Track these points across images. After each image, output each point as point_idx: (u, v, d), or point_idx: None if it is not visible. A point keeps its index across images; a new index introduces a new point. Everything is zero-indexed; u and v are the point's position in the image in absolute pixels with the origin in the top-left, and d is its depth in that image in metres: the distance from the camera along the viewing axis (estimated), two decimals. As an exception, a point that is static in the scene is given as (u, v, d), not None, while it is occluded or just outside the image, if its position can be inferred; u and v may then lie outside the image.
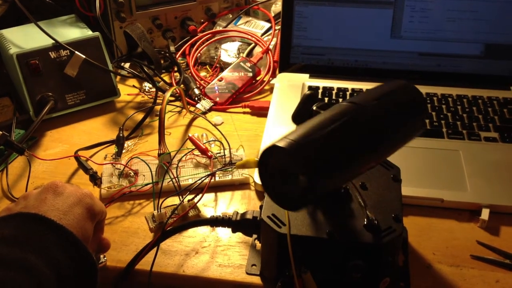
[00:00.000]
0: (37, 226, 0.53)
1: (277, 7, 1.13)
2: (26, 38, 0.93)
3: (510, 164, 0.78)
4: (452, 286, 0.63)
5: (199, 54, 1.07)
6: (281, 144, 0.47)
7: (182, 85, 0.98)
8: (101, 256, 0.66)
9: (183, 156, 0.80)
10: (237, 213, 0.66)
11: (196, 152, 0.81)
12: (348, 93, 0.94)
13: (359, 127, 0.51)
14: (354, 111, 0.52)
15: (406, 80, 0.58)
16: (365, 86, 0.95)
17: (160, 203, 0.73)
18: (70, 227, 0.55)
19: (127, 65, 1.01)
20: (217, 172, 0.78)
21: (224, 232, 0.71)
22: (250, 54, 1.06)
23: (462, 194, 0.73)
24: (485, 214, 0.70)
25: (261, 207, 0.61)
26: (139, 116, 0.92)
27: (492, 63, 0.95)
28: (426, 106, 0.88)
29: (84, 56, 0.91)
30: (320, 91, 0.95)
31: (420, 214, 0.72)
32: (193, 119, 0.93)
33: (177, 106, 0.96)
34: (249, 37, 1.07)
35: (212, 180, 0.77)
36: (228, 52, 1.07)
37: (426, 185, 0.74)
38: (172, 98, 0.98)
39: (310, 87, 0.96)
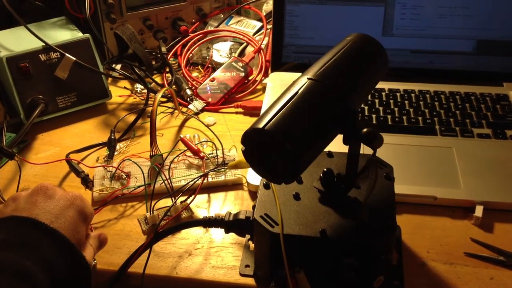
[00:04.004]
0: (30, 230, 0.53)
1: (268, 6, 1.13)
2: (16, 41, 0.92)
3: (503, 160, 0.78)
4: (446, 284, 0.63)
5: (190, 55, 1.07)
6: (260, 126, 0.51)
7: (174, 86, 0.98)
8: None
9: (175, 158, 0.80)
10: (230, 213, 0.66)
11: (189, 153, 0.80)
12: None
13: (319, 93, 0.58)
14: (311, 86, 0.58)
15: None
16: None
17: (152, 205, 0.72)
18: (62, 230, 0.54)
19: (118, 66, 1.00)
20: (209, 173, 0.77)
21: (217, 234, 0.70)
22: (242, 53, 1.05)
23: (455, 191, 0.73)
24: (478, 211, 0.70)
25: (253, 207, 0.61)
26: (131, 117, 0.92)
27: (485, 60, 0.95)
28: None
29: (74, 58, 0.90)
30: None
31: (413, 212, 0.72)
32: (185, 120, 0.93)
33: (169, 107, 0.95)
34: (241, 36, 1.07)
35: (205, 181, 0.76)
36: (220, 52, 1.06)
37: (419, 182, 0.74)
38: (164, 99, 0.97)
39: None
